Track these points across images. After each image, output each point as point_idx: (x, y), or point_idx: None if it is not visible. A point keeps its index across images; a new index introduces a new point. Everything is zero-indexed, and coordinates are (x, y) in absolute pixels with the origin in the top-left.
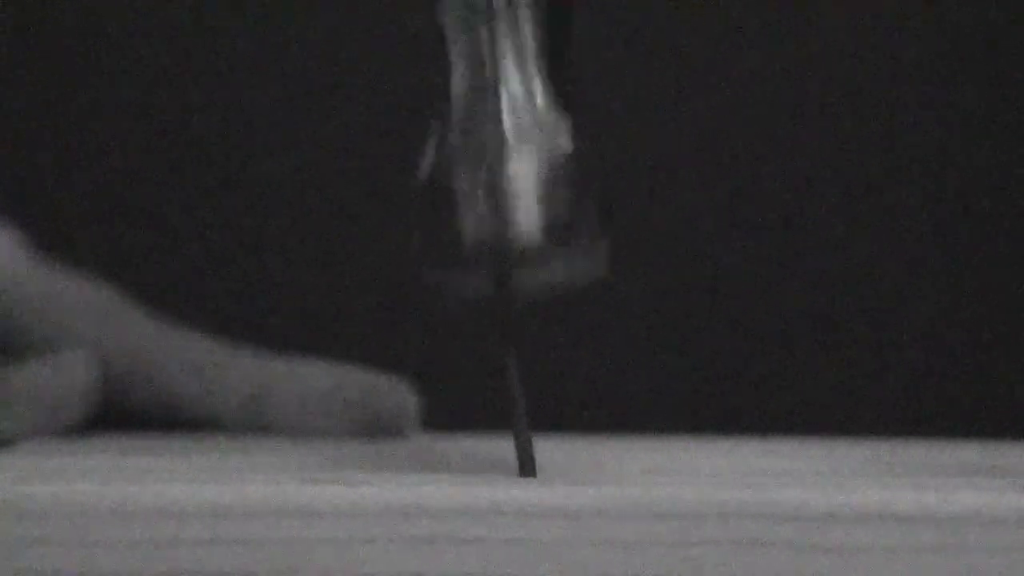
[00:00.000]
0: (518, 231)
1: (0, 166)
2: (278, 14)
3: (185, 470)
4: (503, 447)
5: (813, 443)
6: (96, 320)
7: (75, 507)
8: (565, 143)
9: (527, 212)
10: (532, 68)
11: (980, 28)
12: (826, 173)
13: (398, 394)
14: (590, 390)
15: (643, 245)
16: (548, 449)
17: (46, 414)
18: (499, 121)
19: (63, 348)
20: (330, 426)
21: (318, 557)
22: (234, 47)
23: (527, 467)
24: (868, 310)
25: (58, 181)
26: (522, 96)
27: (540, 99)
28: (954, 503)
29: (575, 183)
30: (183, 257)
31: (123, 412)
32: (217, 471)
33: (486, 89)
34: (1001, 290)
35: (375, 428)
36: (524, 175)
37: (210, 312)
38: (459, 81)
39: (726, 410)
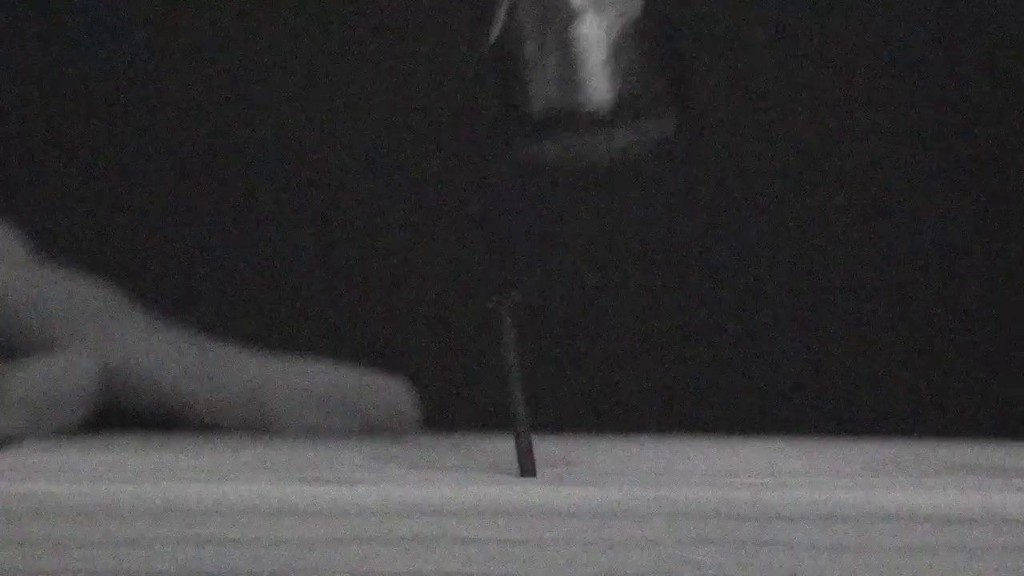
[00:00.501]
0: (588, 97)
1: (0, 166)
2: (281, 11)
3: (185, 470)
4: (503, 447)
5: (813, 443)
6: (96, 320)
7: (75, 507)
8: (636, 6)
9: (597, 77)
10: None
11: (979, 28)
12: (827, 171)
13: (398, 394)
14: (590, 390)
15: (643, 244)
16: (548, 449)
17: (46, 414)
18: None
19: (63, 348)
20: (330, 425)
21: (318, 557)
22: (235, 45)
23: (527, 467)
24: (868, 310)
25: (58, 181)
26: None
27: None
28: (954, 503)
29: (647, 48)
30: (183, 257)
31: (123, 412)
32: (217, 471)
33: None
34: (1001, 289)
35: (375, 428)
36: (594, 39)
37: (210, 312)
38: None
39: (726, 410)
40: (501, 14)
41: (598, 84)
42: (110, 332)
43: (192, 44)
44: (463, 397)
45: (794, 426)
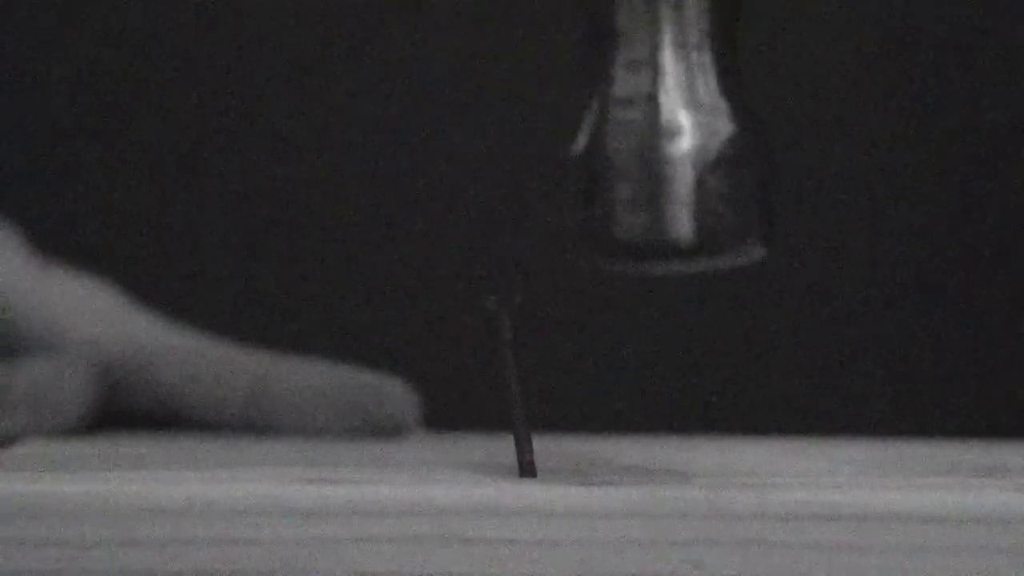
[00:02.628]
0: (669, 228)
1: (0, 166)
2: (281, 14)
3: (185, 470)
4: (503, 447)
5: (813, 443)
6: (96, 320)
7: (75, 507)
8: (725, 128)
9: (681, 207)
10: (695, 47)
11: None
12: (828, 171)
13: (398, 394)
14: (590, 390)
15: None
16: (548, 449)
17: (46, 414)
18: (656, 100)
19: (63, 348)
20: (330, 426)
21: (318, 557)
22: (235, 45)
23: (527, 467)
24: (868, 310)
25: (58, 181)
26: (683, 75)
27: (701, 81)
28: (954, 503)
29: (735, 175)
30: (183, 257)
31: (123, 412)
32: (217, 471)
33: (644, 64)
34: (1001, 289)
35: (375, 428)
36: (681, 164)
37: (210, 312)
38: (619, 55)
39: (726, 410)
40: (587, 122)
41: (681, 216)
42: (111, 332)
43: (192, 45)
44: (463, 397)
45: (794, 426)
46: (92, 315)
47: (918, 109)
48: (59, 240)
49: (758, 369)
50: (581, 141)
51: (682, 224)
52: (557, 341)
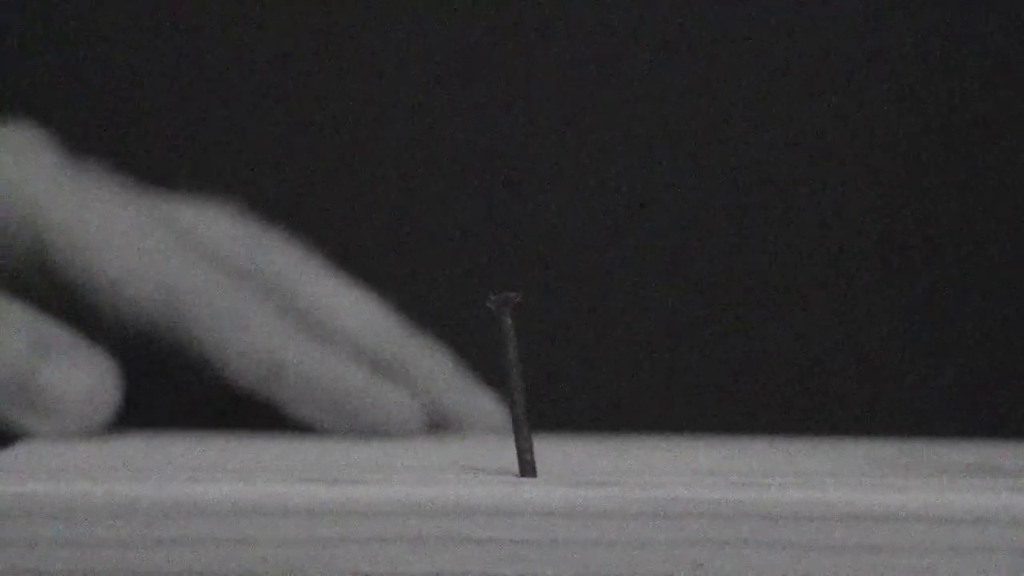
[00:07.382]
0: None
1: None
2: (279, 12)
3: (186, 470)
4: (503, 447)
5: (813, 443)
6: (134, 252)
7: (75, 507)
8: None
9: None
10: None
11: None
12: (827, 171)
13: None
14: (590, 390)
15: (643, 243)
16: (548, 449)
17: (67, 413)
18: None
19: (93, 280)
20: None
21: (318, 557)
22: (238, 42)
23: (527, 467)
24: (868, 310)
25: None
26: None
27: None
28: (954, 503)
29: None
30: None
31: (148, 349)
32: (217, 471)
33: None
34: (1001, 289)
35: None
36: None
37: None
38: None
39: (726, 410)
40: None
41: None
42: (148, 268)
43: (193, 40)
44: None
45: (794, 426)
46: (134, 237)
47: (918, 111)
48: None
49: (758, 369)
50: None
51: None
52: (557, 341)
